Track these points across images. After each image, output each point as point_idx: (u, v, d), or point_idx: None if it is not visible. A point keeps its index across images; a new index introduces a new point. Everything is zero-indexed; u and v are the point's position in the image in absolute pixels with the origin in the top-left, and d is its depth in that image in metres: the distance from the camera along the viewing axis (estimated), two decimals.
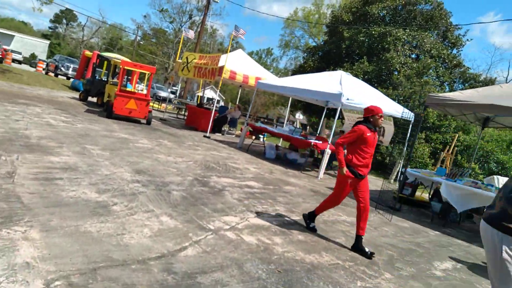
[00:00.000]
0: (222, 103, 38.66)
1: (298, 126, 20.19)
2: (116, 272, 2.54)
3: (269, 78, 12.81)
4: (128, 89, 12.43)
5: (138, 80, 16.87)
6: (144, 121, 11.03)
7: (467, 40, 23.94)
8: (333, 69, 18.51)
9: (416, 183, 7.93)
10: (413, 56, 22.65)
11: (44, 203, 3.44)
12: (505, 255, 2.24)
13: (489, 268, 2.41)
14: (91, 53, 18.27)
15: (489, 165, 16.13)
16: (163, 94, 28.45)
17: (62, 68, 25.10)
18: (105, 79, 14.06)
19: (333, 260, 3.71)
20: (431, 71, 21.50)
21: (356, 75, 16.22)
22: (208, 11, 25.80)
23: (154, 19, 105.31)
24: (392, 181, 10.52)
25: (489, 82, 25.12)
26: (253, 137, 11.85)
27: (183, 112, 18.10)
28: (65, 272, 2.40)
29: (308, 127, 30.68)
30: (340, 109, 8.99)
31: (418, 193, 8.74)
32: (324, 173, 9.18)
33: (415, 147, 14.22)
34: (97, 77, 14.54)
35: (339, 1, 35.76)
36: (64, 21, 69.81)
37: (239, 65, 12.51)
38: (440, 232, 6.14)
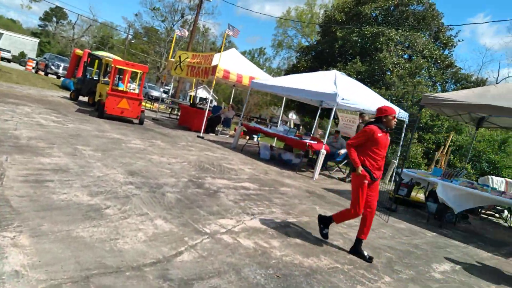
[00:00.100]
0: (215, 103, 38.49)
1: (292, 126, 20.16)
2: (109, 280, 2.43)
3: (263, 78, 12.73)
4: (120, 88, 12.27)
5: (130, 79, 16.68)
6: (136, 121, 10.87)
7: (459, 40, 24.21)
8: (326, 69, 18.51)
9: (411, 183, 7.91)
10: (405, 56, 22.78)
11: (34, 206, 3.31)
12: None
13: None
14: (82, 52, 18.01)
15: (481, 165, 16.28)
16: (155, 93, 28.24)
17: (52, 67, 24.74)
18: (97, 78, 13.85)
19: (332, 264, 3.64)
20: (423, 71, 21.65)
21: (349, 75, 16.19)
22: (200, 10, 25.65)
23: (145, 17, 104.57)
24: (387, 181, 10.51)
25: (481, 82, 25.40)
26: (247, 137, 11.76)
27: (176, 112, 17.94)
28: (57, 281, 2.29)
29: (301, 127, 30.70)
30: (335, 109, 8.95)
31: (413, 194, 8.74)
32: (319, 173, 9.12)
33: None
34: (88, 76, 14.31)
35: (332, 1, 35.85)
36: (54, 19, 68.98)
37: (232, 64, 12.39)
38: (436, 233, 6.11)
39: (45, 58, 27.54)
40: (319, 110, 13.59)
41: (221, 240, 3.56)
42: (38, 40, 49.93)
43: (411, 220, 6.72)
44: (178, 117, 15.53)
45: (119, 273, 2.54)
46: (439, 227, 6.60)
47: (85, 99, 14.08)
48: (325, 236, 4.32)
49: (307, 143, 8.96)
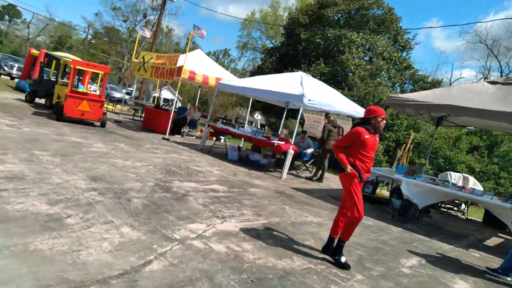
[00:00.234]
0: (179, 104, 37.88)
1: (259, 127, 20.18)
2: None
3: (229, 79, 12.63)
4: (79, 90, 11.73)
5: (90, 80, 16.03)
6: (98, 123, 10.43)
7: (415, 43, 25.27)
8: (291, 71, 18.65)
9: (376, 181, 8.11)
10: (366, 58, 23.44)
11: None
12: None
13: None
14: (38, 52, 17.08)
15: (438, 161, 17.09)
16: (117, 94, 27.29)
17: (5, 68, 23.32)
18: (54, 79, 13.17)
19: (305, 264, 3.62)
20: (383, 72, 22.38)
21: (313, 76, 16.47)
22: (164, 10, 25.12)
23: (106, 17, 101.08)
24: None
25: (436, 83, 26.68)
26: (214, 138, 11.62)
27: (139, 114, 17.44)
28: None
29: (266, 127, 30.83)
30: (301, 110, 9.02)
31: (377, 190, 8.97)
32: (287, 173, 9.16)
33: None
34: (45, 77, 13.59)
35: (296, 3, 36.34)
36: (7, 17, 65.10)
37: (198, 65, 12.20)
38: (402, 228, 6.29)
39: None
40: (285, 110, 13.68)
41: (192, 246, 3.44)
42: None
43: (377, 216, 6.87)
44: (142, 119, 15.10)
45: (83, 287, 2.37)
46: (403, 222, 6.79)
47: (42, 101, 13.36)
48: (347, 265, 3.76)
49: (275, 144, 8.96)
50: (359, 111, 10.28)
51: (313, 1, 25.35)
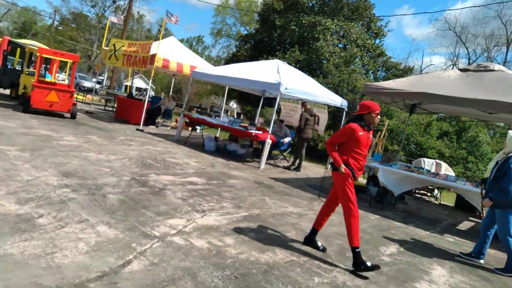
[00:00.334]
0: (153, 93, 37.05)
1: (235, 116, 20.04)
2: None
3: (204, 67, 12.38)
4: (47, 79, 11.21)
5: (58, 69, 15.33)
6: (68, 115, 10.02)
7: (388, 31, 25.63)
8: (266, 58, 18.54)
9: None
10: (340, 45, 23.59)
11: None
12: None
13: None
14: (1, 39, 16.13)
15: (410, 147, 17.56)
16: (87, 84, 26.32)
17: None
18: (20, 69, 12.52)
19: (287, 257, 3.61)
20: (357, 60, 22.60)
21: (288, 64, 16.44)
22: None
23: (73, 2, 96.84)
24: (328, 167, 10.83)
25: (408, 70, 27.21)
26: (190, 128, 11.42)
27: (112, 104, 16.91)
28: None
29: (241, 116, 30.68)
30: (278, 99, 8.97)
31: None
32: (266, 163, 9.13)
33: None
34: (9, 66, 12.88)
35: None
36: None
37: (172, 53, 11.88)
38: (379, 216, 6.41)
39: None
40: (262, 99, 13.59)
41: (172, 242, 3.35)
42: None
43: None
44: (115, 110, 14.64)
45: None
46: (380, 210, 6.93)
47: (7, 92, 12.70)
48: (376, 266, 3.62)
49: (253, 133, 8.90)
50: (334, 99, 10.34)
51: None
